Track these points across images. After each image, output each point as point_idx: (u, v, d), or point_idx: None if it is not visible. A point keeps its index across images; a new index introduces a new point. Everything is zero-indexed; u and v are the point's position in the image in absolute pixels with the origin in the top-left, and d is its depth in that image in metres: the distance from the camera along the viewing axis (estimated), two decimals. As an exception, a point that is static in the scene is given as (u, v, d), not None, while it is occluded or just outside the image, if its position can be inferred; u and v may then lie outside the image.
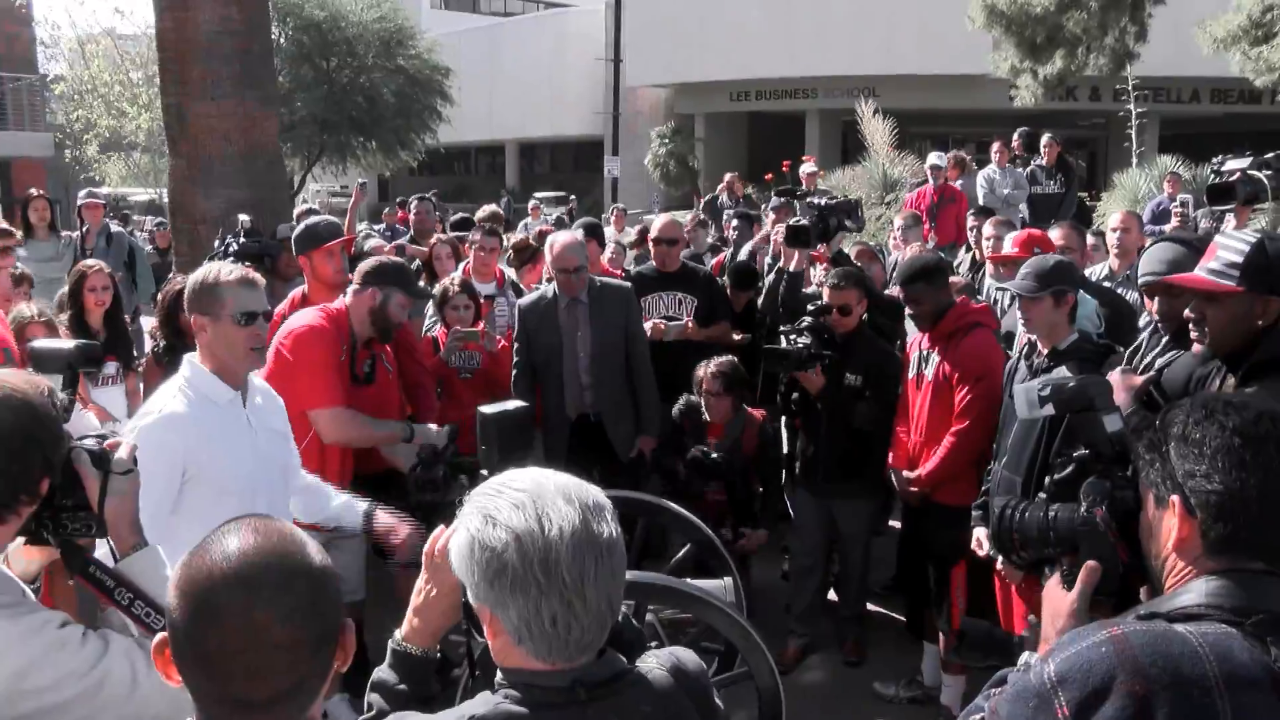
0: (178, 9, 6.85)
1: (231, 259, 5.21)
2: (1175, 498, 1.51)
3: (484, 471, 2.21)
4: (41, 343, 2.31)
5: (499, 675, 1.53)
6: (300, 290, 4.71)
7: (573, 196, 27.34)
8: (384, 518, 3.24)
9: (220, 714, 1.32)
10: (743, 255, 7.44)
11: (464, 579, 1.52)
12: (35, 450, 1.75)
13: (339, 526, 3.35)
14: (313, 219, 5.07)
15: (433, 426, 4.21)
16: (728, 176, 13.21)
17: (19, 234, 4.18)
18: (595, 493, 1.54)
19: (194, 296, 3.02)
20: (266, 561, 1.30)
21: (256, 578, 1.29)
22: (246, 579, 1.29)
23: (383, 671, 1.80)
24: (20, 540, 1.87)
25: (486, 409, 2.52)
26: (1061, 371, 3.70)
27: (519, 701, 1.48)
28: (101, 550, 1.94)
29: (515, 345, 5.19)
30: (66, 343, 2.21)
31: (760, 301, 5.82)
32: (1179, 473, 1.51)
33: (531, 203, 18.78)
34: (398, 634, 1.82)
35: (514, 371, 5.16)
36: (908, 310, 4.57)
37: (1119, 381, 2.98)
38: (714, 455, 5.01)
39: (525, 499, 1.48)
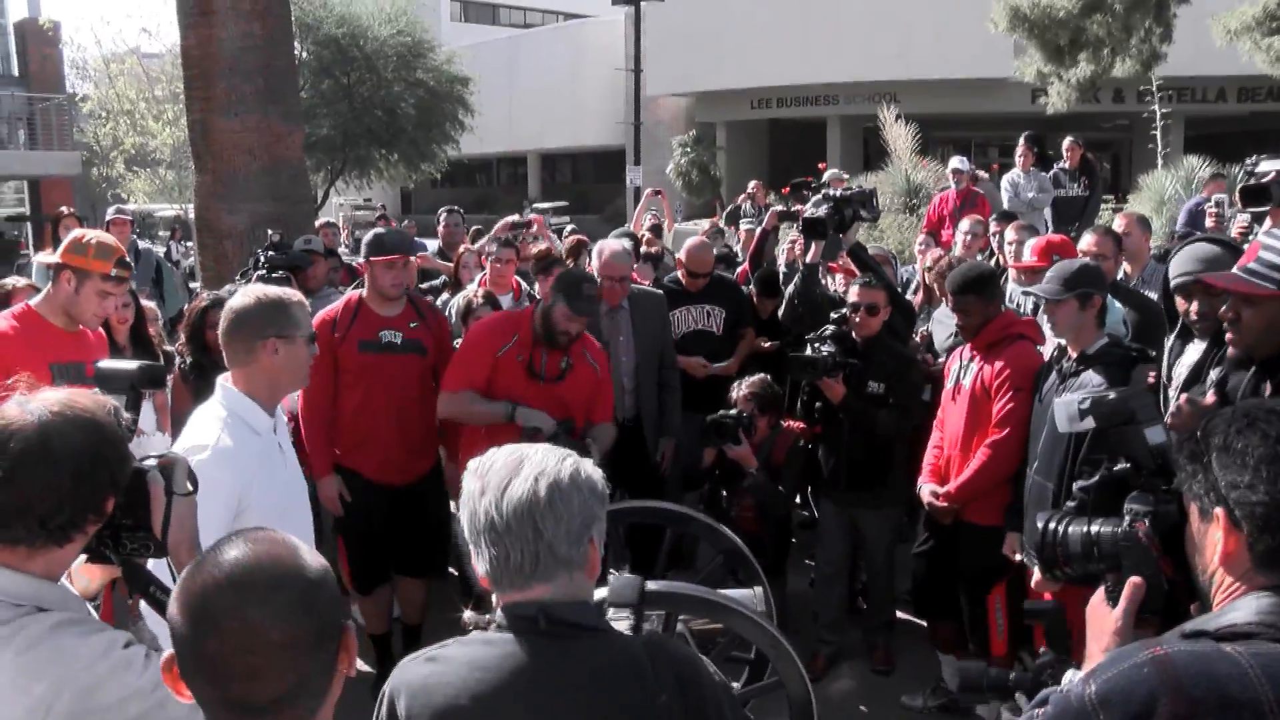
0: (202, 27, 6.91)
1: (262, 271, 5.24)
2: (1220, 510, 1.45)
3: None
4: (106, 363, 2.29)
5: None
6: (358, 293, 4.71)
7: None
8: None
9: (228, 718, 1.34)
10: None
11: None
12: (103, 470, 1.75)
13: None
14: (385, 229, 5.14)
15: (541, 413, 4.28)
16: (751, 185, 13.17)
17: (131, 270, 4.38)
18: (557, 458, 1.72)
19: (266, 318, 2.89)
20: (258, 564, 1.35)
21: (248, 580, 1.33)
22: (238, 582, 1.32)
23: None
24: (82, 557, 1.88)
25: None
26: (1090, 375, 3.66)
27: (500, 629, 1.69)
28: None
29: None
30: (130, 363, 2.20)
31: (780, 312, 5.81)
32: (1222, 484, 1.45)
33: (529, 213, 18.46)
34: None
35: None
36: (955, 320, 4.50)
37: (1188, 409, 2.91)
38: (731, 415, 5.02)
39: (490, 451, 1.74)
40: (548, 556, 1.65)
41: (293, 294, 3.02)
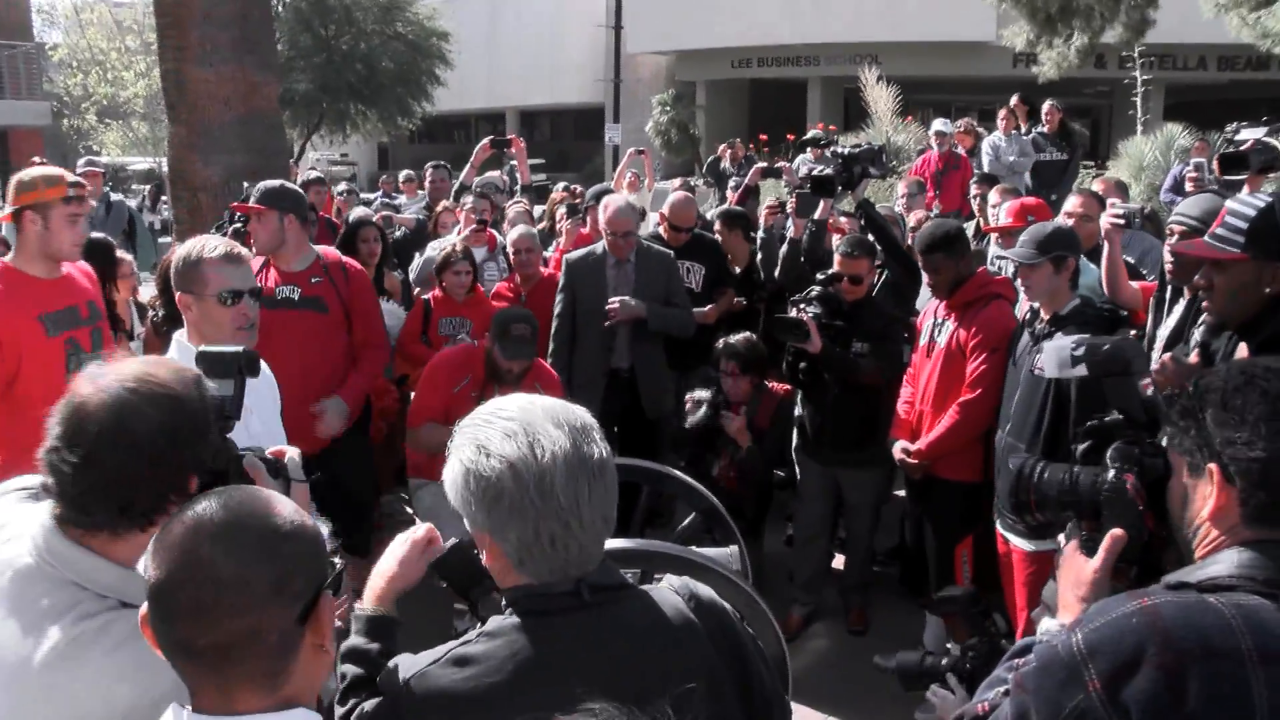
0: (175, -27, 6.77)
1: (238, 225, 5.17)
2: (1213, 466, 1.47)
3: None
4: (210, 347, 2.18)
5: (504, 598, 1.60)
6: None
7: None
8: None
9: (184, 669, 1.30)
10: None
11: (460, 509, 1.57)
12: (185, 449, 1.65)
13: None
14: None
15: None
16: (726, 147, 13.06)
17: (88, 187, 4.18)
18: (582, 414, 1.61)
19: (178, 274, 2.94)
20: (224, 508, 1.31)
21: (209, 519, 1.29)
22: (200, 522, 1.29)
23: (353, 640, 1.81)
24: None
25: None
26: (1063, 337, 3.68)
27: (525, 613, 1.56)
28: None
29: (560, 295, 5.38)
30: (233, 346, 2.10)
31: (778, 271, 5.82)
32: (1217, 440, 1.47)
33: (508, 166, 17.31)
34: (361, 605, 1.87)
35: (555, 322, 5.33)
36: (925, 279, 4.53)
37: (1173, 368, 2.93)
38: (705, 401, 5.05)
39: (516, 427, 1.54)
40: (605, 537, 1.59)
41: (212, 249, 2.96)
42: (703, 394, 5.07)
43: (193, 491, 1.69)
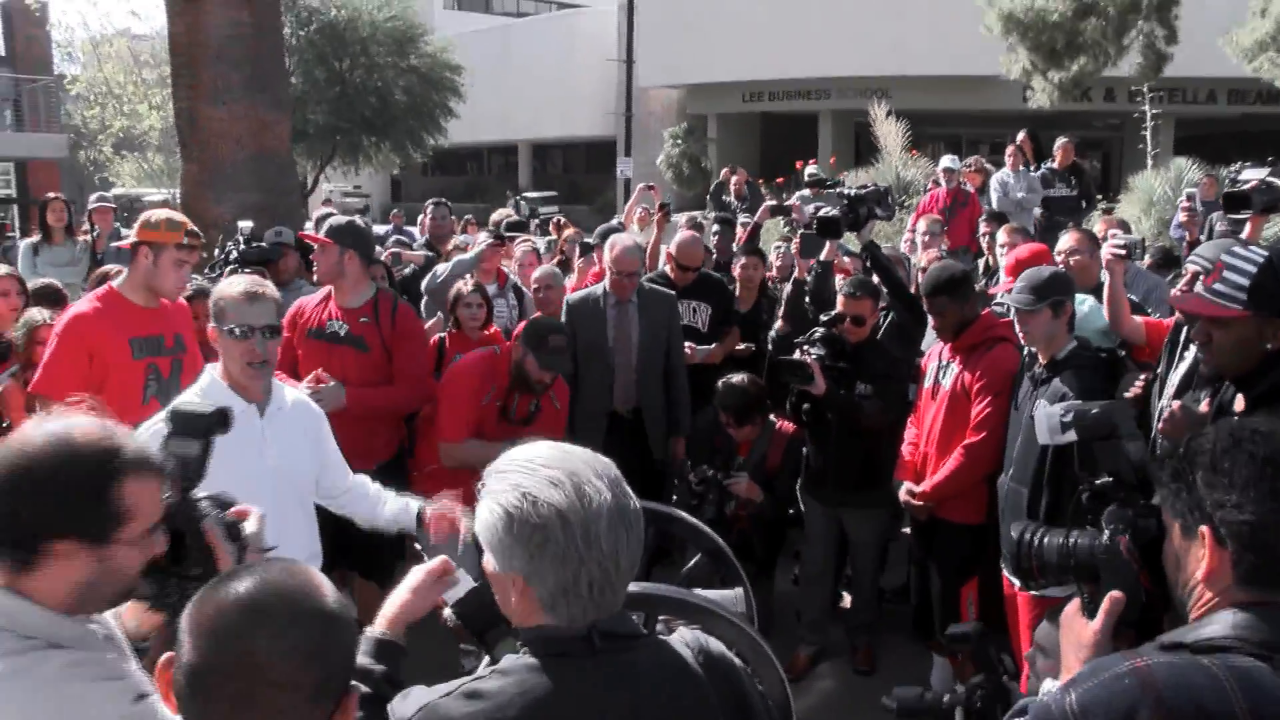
0: (189, 13, 6.87)
1: (233, 265, 5.23)
2: (1205, 529, 1.48)
3: None
4: (186, 404, 2.20)
5: (520, 639, 1.63)
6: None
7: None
8: (437, 506, 3.27)
9: None
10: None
11: (493, 550, 1.59)
12: (26, 500, 1.61)
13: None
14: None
15: None
16: (729, 172, 12.95)
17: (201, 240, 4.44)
18: (611, 465, 1.65)
19: (211, 309, 3.14)
20: (279, 594, 1.31)
21: (264, 608, 1.29)
22: (254, 608, 1.29)
23: (358, 660, 1.83)
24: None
25: None
26: (1060, 383, 3.67)
27: (538, 655, 1.58)
28: None
29: None
30: (207, 406, 2.16)
31: (780, 312, 5.81)
32: (1208, 502, 1.48)
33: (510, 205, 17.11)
34: (374, 628, 1.91)
35: None
36: (930, 322, 4.52)
37: (1182, 417, 2.91)
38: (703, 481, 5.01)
39: (560, 475, 1.57)
40: (626, 588, 1.63)
41: (235, 286, 3.11)
42: (704, 472, 5.00)
43: (56, 535, 1.63)
